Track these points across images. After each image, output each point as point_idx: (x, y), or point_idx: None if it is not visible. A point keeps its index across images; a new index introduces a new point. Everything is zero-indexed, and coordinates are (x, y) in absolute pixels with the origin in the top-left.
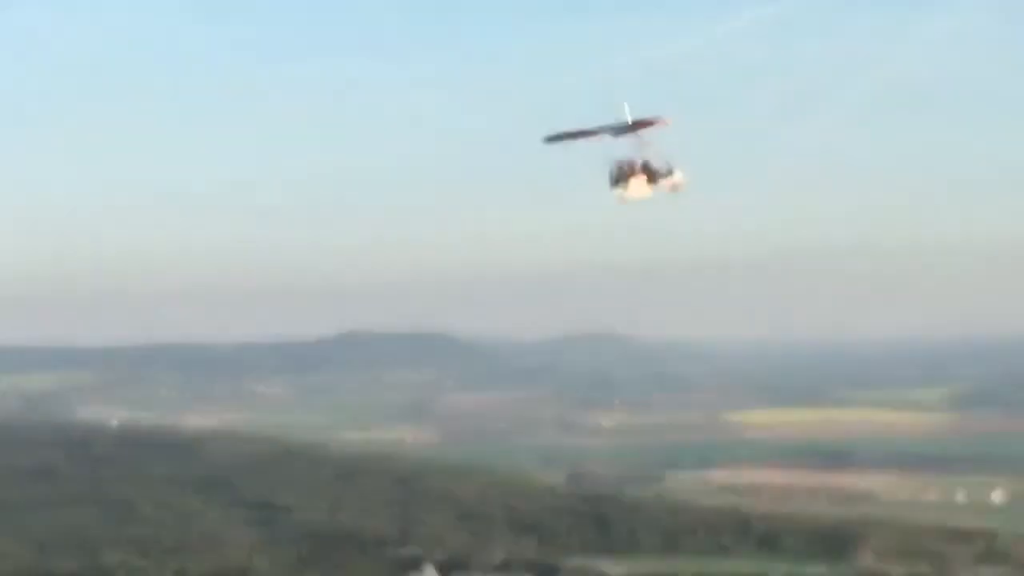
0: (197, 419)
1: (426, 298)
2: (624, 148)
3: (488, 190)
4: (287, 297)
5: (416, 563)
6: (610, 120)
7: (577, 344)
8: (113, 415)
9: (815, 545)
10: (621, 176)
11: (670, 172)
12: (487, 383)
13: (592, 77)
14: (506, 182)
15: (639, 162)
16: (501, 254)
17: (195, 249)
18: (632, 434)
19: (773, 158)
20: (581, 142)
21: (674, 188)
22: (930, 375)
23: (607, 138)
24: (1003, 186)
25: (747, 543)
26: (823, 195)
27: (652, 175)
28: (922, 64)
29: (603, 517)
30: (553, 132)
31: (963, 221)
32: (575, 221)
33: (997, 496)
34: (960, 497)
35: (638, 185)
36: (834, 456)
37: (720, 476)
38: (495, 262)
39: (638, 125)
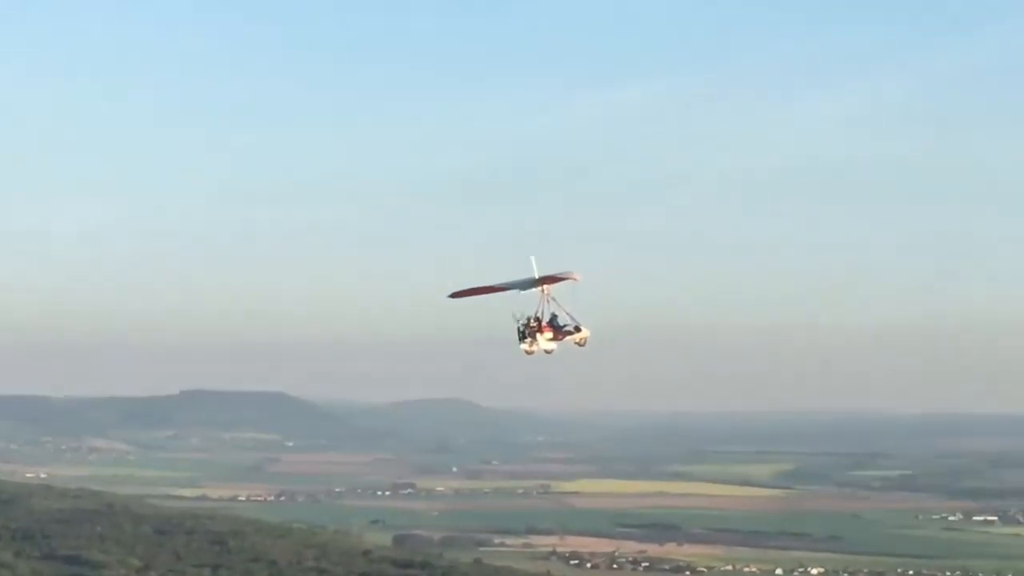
0: (28, 472)
1: (270, 358)
2: (531, 301)
3: (334, 252)
4: (129, 353)
5: None
6: (518, 275)
7: (421, 409)
8: None
9: None
10: (529, 332)
11: (577, 328)
12: (328, 444)
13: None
14: (355, 246)
15: (546, 317)
16: (348, 317)
17: (34, 299)
18: (466, 499)
19: (624, 236)
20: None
21: (580, 342)
22: (762, 451)
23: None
24: (849, 273)
25: None
26: (671, 274)
27: (558, 330)
28: (782, 149)
29: None
30: (457, 288)
31: (802, 305)
32: (423, 287)
33: (815, 572)
34: (779, 571)
35: (544, 340)
36: (661, 528)
37: (546, 543)
38: (342, 324)
39: (545, 280)
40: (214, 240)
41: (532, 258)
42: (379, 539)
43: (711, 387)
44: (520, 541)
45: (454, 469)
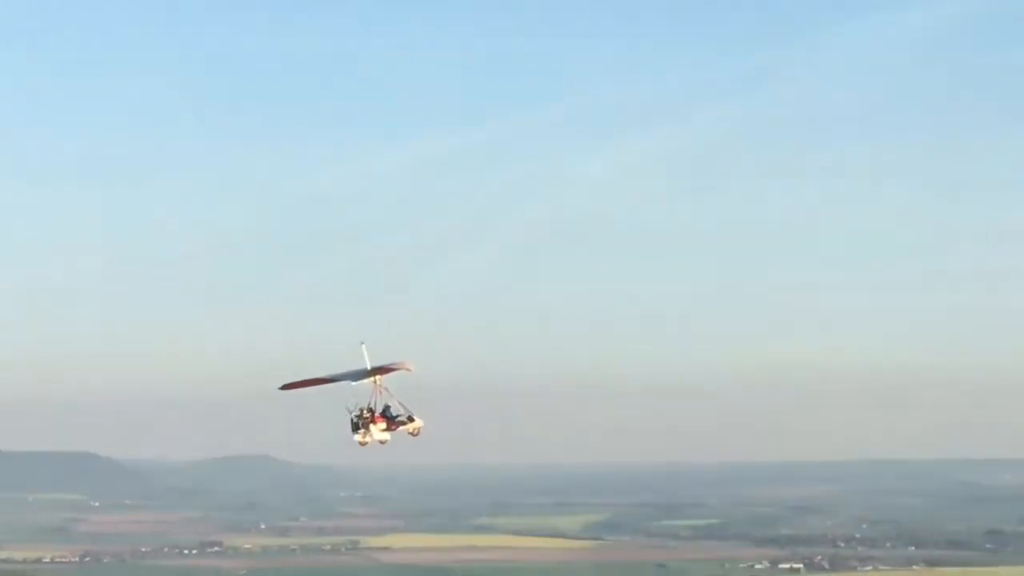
0: None
1: (75, 417)
2: (364, 392)
3: (141, 308)
4: None
5: None
6: (350, 366)
7: (228, 466)
8: None
9: None
10: (362, 423)
11: (410, 418)
12: (135, 504)
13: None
14: (161, 300)
15: (379, 408)
16: (154, 374)
17: None
18: (274, 556)
19: (414, 294)
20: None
21: (414, 432)
22: (572, 503)
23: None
24: (645, 325)
25: None
26: (465, 330)
27: (392, 421)
28: (574, 202)
29: None
30: (288, 380)
31: (601, 359)
32: (235, 342)
33: None
34: None
35: (378, 431)
36: None
37: None
38: (148, 381)
39: (377, 371)
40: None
41: (363, 346)
42: None
43: (517, 440)
44: None
45: (262, 526)
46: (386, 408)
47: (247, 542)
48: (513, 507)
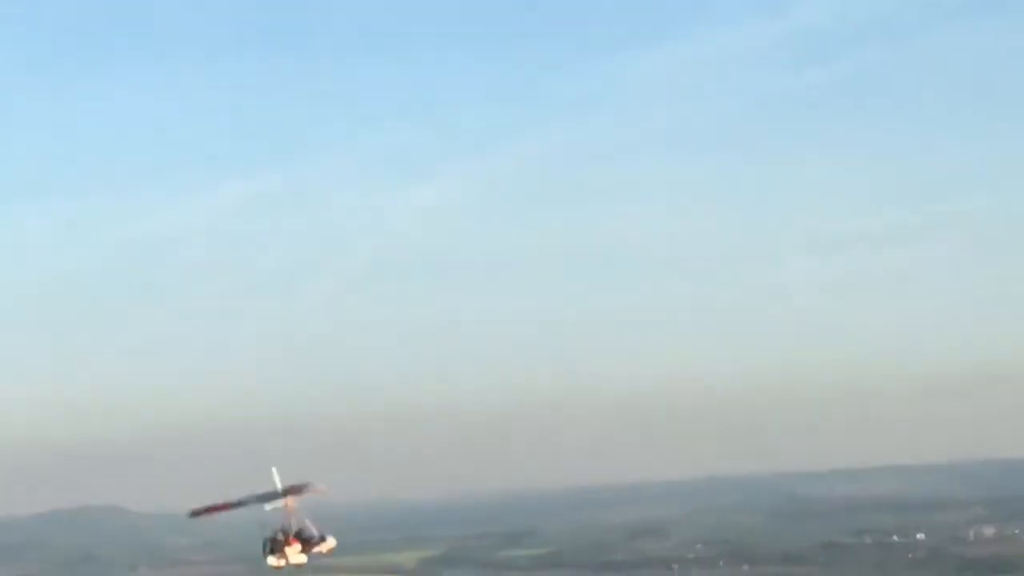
0: None
1: None
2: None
3: None
4: None
5: None
6: (258, 488)
7: (65, 518)
8: None
9: None
10: (276, 546)
11: (323, 538)
12: None
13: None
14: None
15: (292, 529)
16: None
17: None
18: None
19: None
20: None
21: (327, 552)
22: (408, 536)
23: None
24: (480, 353)
25: None
26: (297, 365)
27: (306, 543)
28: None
29: None
30: (199, 507)
31: (436, 388)
32: (70, 393)
33: None
34: None
35: (294, 554)
36: None
37: None
38: None
39: (289, 492)
40: None
41: (274, 470)
42: None
43: (359, 475)
44: None
45: None
46: (300, 531)
47: None
48: (349, 545)
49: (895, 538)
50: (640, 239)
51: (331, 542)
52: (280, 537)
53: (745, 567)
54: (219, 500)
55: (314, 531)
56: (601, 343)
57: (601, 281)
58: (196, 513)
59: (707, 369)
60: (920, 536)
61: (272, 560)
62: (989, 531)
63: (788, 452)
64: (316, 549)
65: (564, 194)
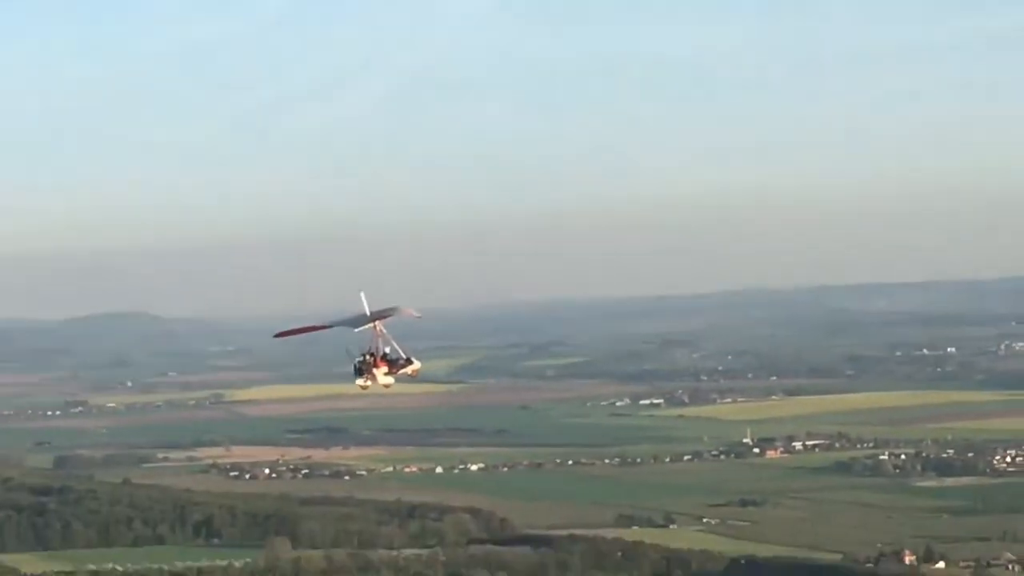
0: None
1: None
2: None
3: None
4: None
5: None
6: (349, 311)
7: (98, 324)
8: None
9: (252, 530)
10: (365, 368)
11: (409, 361)
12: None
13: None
14: (28, 155)
15: (380, 353)
16: (14, 230)
17: None
18: (137, 414)
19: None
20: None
21: (413, 374)
22: (440, 346)
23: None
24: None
25: (184, 531)
26: (334, 175)
27: (393, 364)
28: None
29: (43, 508)
30: (284, 330)
31: (473, 202)
32: (100, 200)
33: (475, 468)
34: (439, 470)
35: (381, 375)
36: (329, 432)
37: (211, 455)
38: (9, 238)
39: (377, 316)
40: None
41: (362, 294)
42: (41, 461)
43: (386, 285)
44: (185, 455)
45: (128, 384)
46: (386, 353)
47: (111, 400)
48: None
49: (925, 351)
50: (684, 54)
51: (416, 364)
52: (368, 359)
53: (773, 379)
54: (304, 324)
55: (401, 353)
56: (636, 158)
57: (639, 96)
58: (281, 334)
59: (746, 182)
60: (951, 350)
61: (359, 381)
62: (1019, 345)
63: (827, 266)
64: (402, 371)
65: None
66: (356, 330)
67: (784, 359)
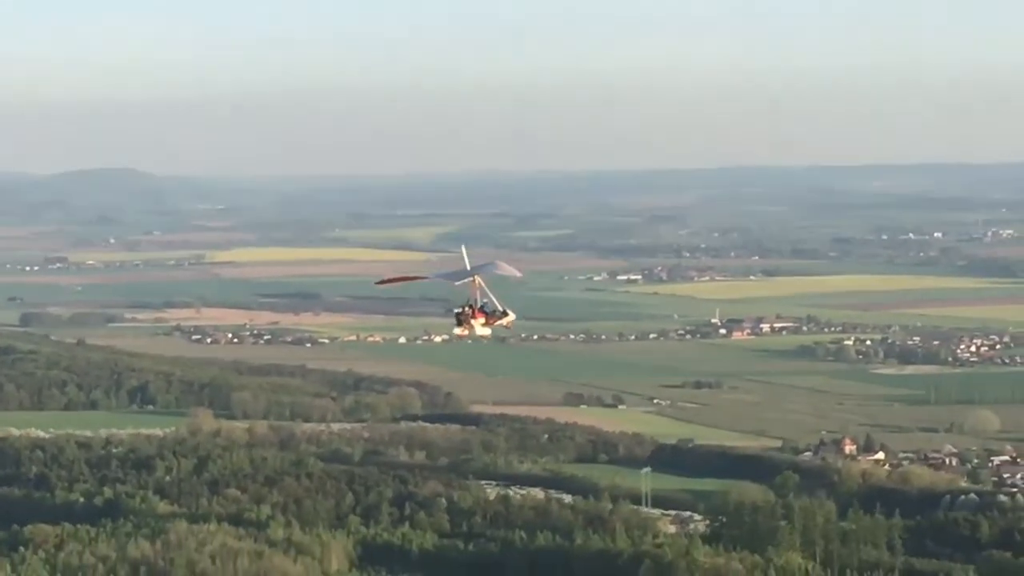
0: None
1: None
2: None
3: None
4: None
5: None
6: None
7: (88, 179)
8: None
9: (187, 398)
10: (464, 318)
11: (504, 313)
12: None
13: None
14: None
15: (478, 304)
16: (17, 79)
17: None
18: (115, 272)
19: None
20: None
21: (508, 326)
22: (429, 214)
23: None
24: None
25: (119, 397)
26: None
27: (490, 316)
28: None
29: None
30: (386, 277)
31: (470, 65)
32: (93, 57)
33: (439, 339)
34: (402, 340)
35: (479, 326)
36: (302, 298)
37: (180, 317)
38: (10, 90)
39: (476, 270)
40: None
41: (463, 248)
42: (8, 317)
43: (388, 148)
44: (153, 316)
45: (112, 241)
46: (483, 305)
47: (91, 258)
48: (369, 219)
49: (911, 236)
50: None
51: (511, 316)
52: (467, 311)
53: (755, 258)
54: (405, 273)
55: (498, 306)
56: (632, 27)
57: None
58: (383, 282)
59: (744, 57)
60: (937, 235)
61: (457, 330)
62: (1007, 232)
63: (824, 145)
64: (498, 323)
65: None
66: (456, 284)
67: (769, 238)
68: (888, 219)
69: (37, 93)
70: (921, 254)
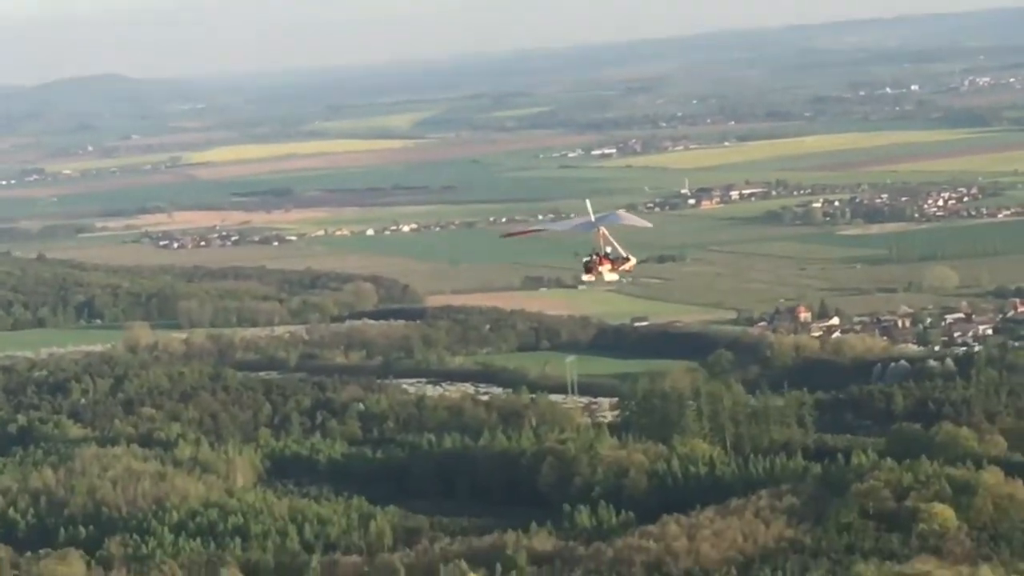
0: None
1: None
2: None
3: None
4: None
5: None
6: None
7: (68, 88)
8: None
9: (134, 310)
10: (592, 266)
11: (627, 259)
12: None
13: None
14: None
15: (603, 252)
16: None
17: None
18: (91, 181)
19: None
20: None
21: (630, 270)
22: (408, 100)
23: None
24: None
25: (66, 313)
26: None
27: (615, 262)
28: None
29: None
30: (514, 230)
31: None
32: None
33: (407, 229)
34: (370, 232)
35: (606, 272)
36: (274, 195)
37: (150, 222)
38: None
39: (600, 221)
40: None
41: (588, 202)
42: None
43: (364, 36)
44: (124, 224)
45: (89, 148)
46: (607, 253)
47: (68, 167)
48: (348, 110)
49: (888, 90)
50: None
51: (633, 261)
52: (594, 259)
53: (731, 123)
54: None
55: (621, 252)
56: None
57: None
58: (510, 235)
59: None
60: (914, 87)
61: (585, 277)
62: (984, 80)
63: (800, 3)
64: (623, 268)
65: None
66: (582, 233)
67: (745, 103)
68: (865, 75)
69: (17, 4)
70: (897, 108)
